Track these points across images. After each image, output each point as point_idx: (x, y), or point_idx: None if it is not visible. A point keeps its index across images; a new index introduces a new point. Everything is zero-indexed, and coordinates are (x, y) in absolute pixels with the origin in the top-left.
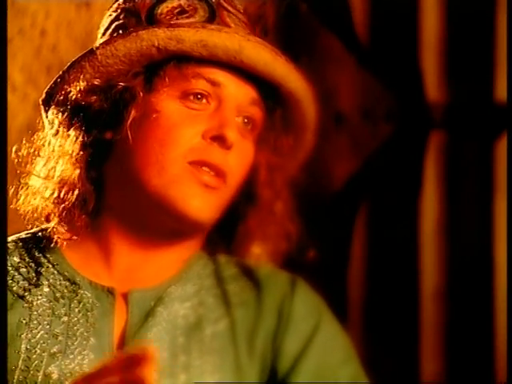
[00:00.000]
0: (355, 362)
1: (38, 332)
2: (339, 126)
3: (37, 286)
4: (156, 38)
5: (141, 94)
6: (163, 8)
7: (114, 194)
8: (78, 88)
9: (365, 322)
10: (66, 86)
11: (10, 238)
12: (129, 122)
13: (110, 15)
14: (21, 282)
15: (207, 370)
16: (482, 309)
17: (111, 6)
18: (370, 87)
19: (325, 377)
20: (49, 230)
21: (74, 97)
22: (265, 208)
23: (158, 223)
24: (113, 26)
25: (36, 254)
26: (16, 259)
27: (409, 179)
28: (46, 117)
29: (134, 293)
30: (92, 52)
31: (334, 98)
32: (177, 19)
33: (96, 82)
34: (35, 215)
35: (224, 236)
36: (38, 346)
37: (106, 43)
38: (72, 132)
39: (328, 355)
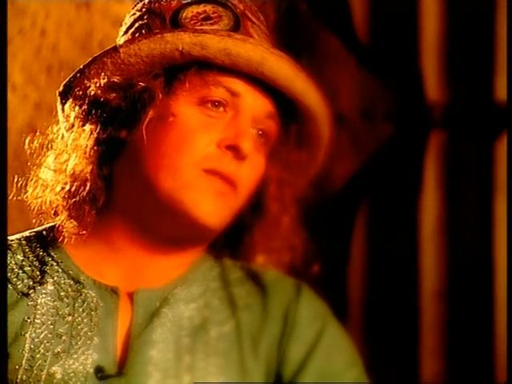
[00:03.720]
0: (359, 367)
1: (42, 332)
2: (339, 126)
3: (41, 283)
4: (181, 41)
5: (160, 95)
6: (188, 12)
7: (123, 193)
8: (97, 84)
9: (365, 322)
10: (85, 81)
11: (13, 237)
12: (145, 122)
13: (134, 14)
14: (25, 281)
15: (212, 371)
16: (482, 309)
17: (135, 5)
18: (370, 87)
19: (329, 382)
20: (57, 225)
21: (92, 92)
22: (272, 222)
23: (166, 226)
24: (136, 25)
25: (40, 252)
26: (20, 257)
27: (409, 179)
28: (62, 110)
29: (139, 293)
30: (115, 49)
31: (334, 98)
32: (201, 25)
33: (116, 80)
34: (43, 208)
35: (229, 246)
36: (42, 346)
37: (129, 42)
38: (87, 127)
39: (332, 360)
